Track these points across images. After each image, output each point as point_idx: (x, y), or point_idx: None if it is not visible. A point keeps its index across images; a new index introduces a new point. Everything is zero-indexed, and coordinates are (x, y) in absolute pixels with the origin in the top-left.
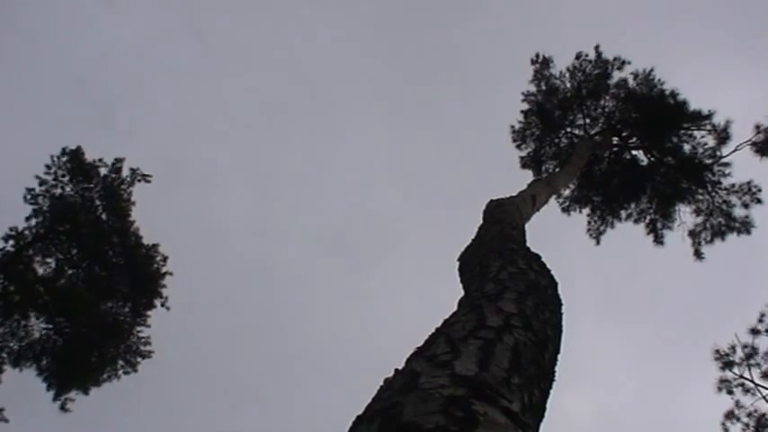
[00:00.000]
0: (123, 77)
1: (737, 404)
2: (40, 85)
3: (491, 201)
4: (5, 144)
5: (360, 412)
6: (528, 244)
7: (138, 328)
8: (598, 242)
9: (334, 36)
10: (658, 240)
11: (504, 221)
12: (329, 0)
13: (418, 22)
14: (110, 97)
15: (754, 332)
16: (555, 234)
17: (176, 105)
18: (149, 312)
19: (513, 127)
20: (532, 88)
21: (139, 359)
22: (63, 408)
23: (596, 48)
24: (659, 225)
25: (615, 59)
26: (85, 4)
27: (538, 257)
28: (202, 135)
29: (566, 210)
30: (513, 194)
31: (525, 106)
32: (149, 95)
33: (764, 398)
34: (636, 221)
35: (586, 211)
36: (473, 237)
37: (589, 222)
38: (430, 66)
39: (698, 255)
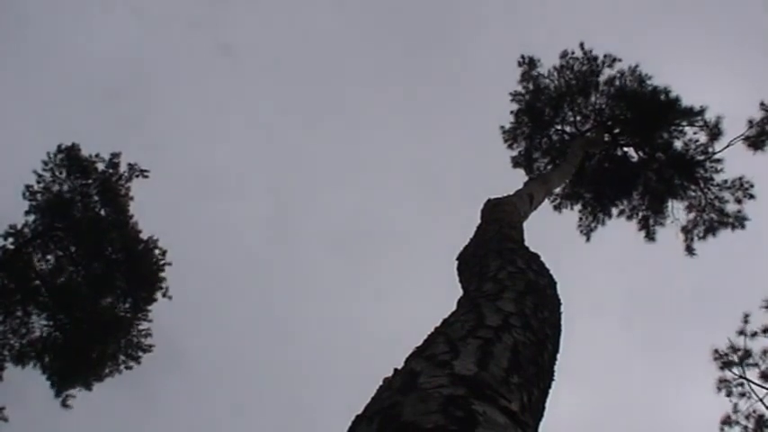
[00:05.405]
0: (144, 83)
1: (735, 407)
2: (64, 94)
3: (489, 200)
4: (31, 153)
5: (359, 412)
6: (526, 243)
7: (139, 323)
8: (588, 239)
9: (330, 39)
10: (650, 237)
11: (502, 220)
12: (334, 7)
13: (417, 23)
14: (131, 104)
15: (750, 333)
16: (551, 232)
17: (181, 107)
18: (150, 307)
19: (503, 127)
20: (521, 89)
21: (141, 353)
22: (64, 404)
23: (581, 45)
24: (651, 221)
25: (605, 56)
26: (112, 13)
27: (537, 257)
28: (210, 137)
29: (557, 207)
30: (511, 193)
31: (516, 106)
32: (163, 98)
33: (761, 400)
34: (628, 218)
35: (578, 207)
36: (471, 236)
37: (580, 219)
38: (428, 66)
39: (689, 250)
